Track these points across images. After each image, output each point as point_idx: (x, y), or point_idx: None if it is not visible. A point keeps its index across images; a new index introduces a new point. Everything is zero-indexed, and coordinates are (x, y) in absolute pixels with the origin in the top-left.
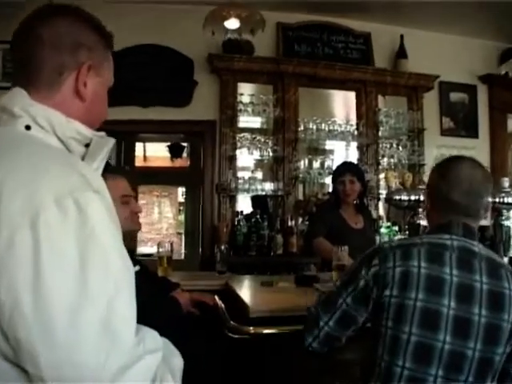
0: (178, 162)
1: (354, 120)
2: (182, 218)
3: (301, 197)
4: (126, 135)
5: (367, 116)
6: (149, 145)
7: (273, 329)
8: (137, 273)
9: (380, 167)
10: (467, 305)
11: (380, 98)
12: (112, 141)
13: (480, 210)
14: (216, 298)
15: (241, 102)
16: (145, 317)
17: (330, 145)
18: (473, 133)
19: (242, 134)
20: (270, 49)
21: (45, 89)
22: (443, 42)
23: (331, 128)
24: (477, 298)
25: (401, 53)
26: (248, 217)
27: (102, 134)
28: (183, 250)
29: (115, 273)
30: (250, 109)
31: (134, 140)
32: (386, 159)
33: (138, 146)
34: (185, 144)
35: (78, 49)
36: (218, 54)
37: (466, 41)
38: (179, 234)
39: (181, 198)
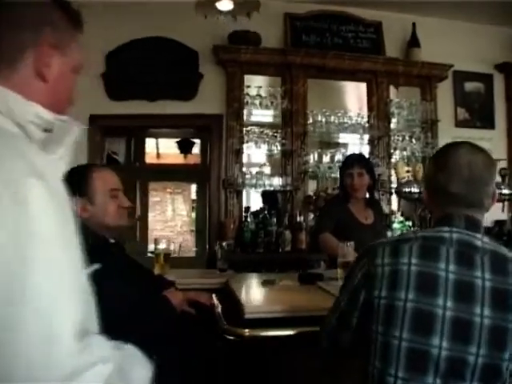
0: (192, 159)
1: (364, 112)
2: (194, 215)
3: (310, 192)
4: (135, 131)
5: (378, 107)
6: (161, 141)
7: (270, 331)
8: (98, 270)
9: (392, 160)
10: (467, 304)
11: (392, 89)
12: (77, 127)
13: (484, 199)
14: (214, 297)
15: (248, 95)
16: (133, 316)
17: (340, 138)
18: (489, 124)
19: (249, 128)
20: (277, 40)
21: (4, 68)
22: (457, 30)
23: (341, 120)
24: (478, 297)
25: (413, 41)
26: (256, 213)
27: (65, 117)
28: (195, 248)
29: (56, 268)
30: (257, 102)
31: (143, 136)
32: (398, 152)
33: (149, 142)
34: (195, 140)
35: (40, 26)
36: (223, 46)
37: (481, 28)
38: (192, 231)
39: (194, 195)
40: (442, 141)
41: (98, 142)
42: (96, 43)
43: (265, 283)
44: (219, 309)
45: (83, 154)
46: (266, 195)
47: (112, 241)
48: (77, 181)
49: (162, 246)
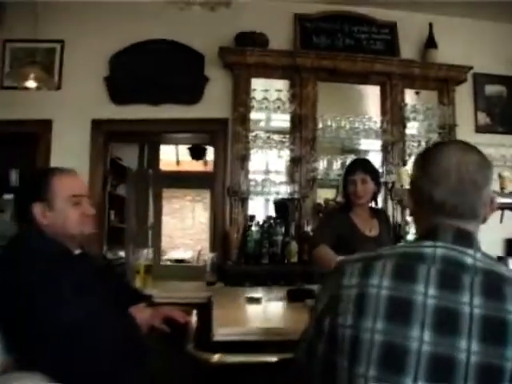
0: (210, 165)
1: (378, 117)
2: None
3: (319, 200)
4: (149, 137)
5: (392, 112)
6: (175, 148)
7: (242, 357)
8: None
9: (407, 167)
10: (449, 337)
11: (410, 92)
12: None
13: (477, 208)
14: (194, 314)
15: (254, 99)
16: (83, 332)
17: (351, 144)
18: (511, 129)
19: (255, 133)
20: (286, 41)
21: None
22: (477, 29)
23: (353, 125)
24: (464, 328)
25: (430, 42)
26: (260, 222)
27: None
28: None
29: None
30: (264, 106)
31: (157, 142)
32: (413, 158)
33: (165, 149)
34: (208, 146)
35: None
36: (229, 48)
37: (502, 26)
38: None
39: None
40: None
41: (100, 147)
42: (99, 46)
43: (250, 300)
44: (193, 328)
45: (85, 159)
46: (279, 204)
47: (77, 252)
48: (36, 184)
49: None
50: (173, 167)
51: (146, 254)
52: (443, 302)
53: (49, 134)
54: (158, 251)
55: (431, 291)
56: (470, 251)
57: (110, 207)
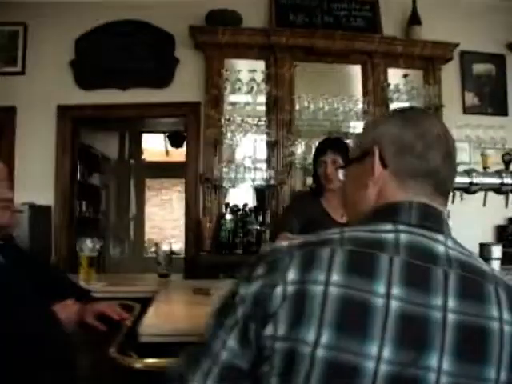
0: None
1: (359, 98)
2: None
3: (299, 186)
4: (130, 126)
5: (375, 92)
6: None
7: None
8: None
9: None
10: (415, 354)
11: (392, 71)
12: None
13: (452, 185)
14: (137, 308)
15: (227, 80)
16: None
17: (332, 127)
18: (501, 110)
19: (228, 117)
20: (260, 19)
21: None
22: (464, 5)
23: (332, 107)
24: (435, 340)
25: (413, 18)
26: (235, 210)
27: None
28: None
29: None
30: (238, 87)
31: (138, 131)
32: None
33: (153, 138)
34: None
35: None
36: (200, 27)
37: (491, 2)
38: None
39: None
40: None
41: (68, 135)
42: (64, 28)
43: (196, 293)
44: (126, 326)
45: (51, 147)
46: (260, 191)
47: None
48: None
49: (85, 247)
50: (162, 157)
51: (91, 245)
52: (409, 306)
53: (13, 122)
54: (140, 243)
55: (395, 291)
56: (441, 237)
57: (82, 197)
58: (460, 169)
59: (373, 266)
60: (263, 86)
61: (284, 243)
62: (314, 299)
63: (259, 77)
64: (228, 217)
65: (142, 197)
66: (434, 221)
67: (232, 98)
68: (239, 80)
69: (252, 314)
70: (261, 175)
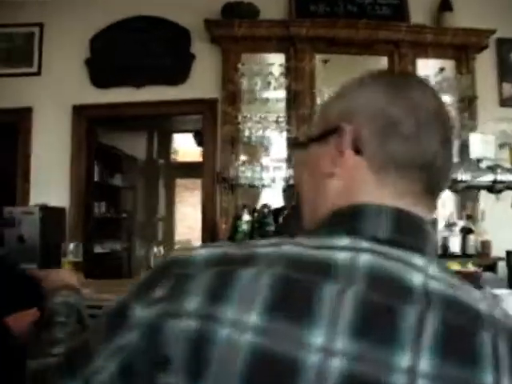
0: None
1: None
2: None
3: None
4: (158, 126)
5: None
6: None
7: None
8: None
9: None
10: None
11: (421, 62)
12: None
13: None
14: None
15: (244, 75)
16: None
17: None
18: None
19: (246, 113)
20: (279, 10)
21: None
22: None
23: None
24: None
25: (444, 4)
26: (252, 211)
27: None
28: None
29: None
30: (255, 82)
31: (167, 131)
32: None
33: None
34: None
35: None
36: (215, 20)
37: None
38: None
39: None
40: (483, 122)
41: (83, 134)
42: (79, 27)
43: None
44: None
45: (67, 147)
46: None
47: None
48: None
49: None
50: (196, 157)
51: (74, 249)
52: (360, 368)
53: (29, 123)
54: (170, 244)
55: (339, 344)
56: (420, 260)
57: (100, 198)
58: (483, 165)
59: (310, 304)
60: (282, 79)
61: (198, 251)
62: (214, 348)
63: (278, 70)
64: (245, 218)
65: (172, 197)
66: (412, 234)
67: (249, 94)
68: (257, 74)
69: (144, 349)
70: (280, 175)
